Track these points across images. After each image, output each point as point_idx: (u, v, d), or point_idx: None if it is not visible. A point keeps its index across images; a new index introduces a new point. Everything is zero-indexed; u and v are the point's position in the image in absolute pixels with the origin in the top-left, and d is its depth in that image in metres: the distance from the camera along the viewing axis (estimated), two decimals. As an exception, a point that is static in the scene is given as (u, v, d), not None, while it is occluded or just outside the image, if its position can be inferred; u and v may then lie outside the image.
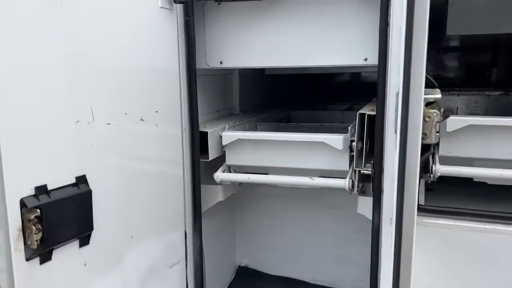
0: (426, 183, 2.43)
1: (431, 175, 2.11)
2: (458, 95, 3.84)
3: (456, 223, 1.97)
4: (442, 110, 1.13)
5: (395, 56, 1.16)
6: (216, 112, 2.85)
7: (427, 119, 1.06)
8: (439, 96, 1.05)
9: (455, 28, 3.00)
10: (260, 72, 3.56)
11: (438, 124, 1.08)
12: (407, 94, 0.99)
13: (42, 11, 1.45)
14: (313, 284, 3.23)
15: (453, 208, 2.10)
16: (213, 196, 2.66)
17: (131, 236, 1.95)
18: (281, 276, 3.34)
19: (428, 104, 1.06)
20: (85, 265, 1.71)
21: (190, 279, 2.47)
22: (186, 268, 2.43)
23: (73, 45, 1.58)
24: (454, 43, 4.32)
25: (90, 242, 1.71)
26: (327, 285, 3.19)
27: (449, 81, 4.34)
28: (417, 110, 1.00)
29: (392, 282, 1.16)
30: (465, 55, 4.35)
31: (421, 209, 2.02)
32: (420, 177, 2.19)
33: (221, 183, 2.54)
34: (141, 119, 1.96)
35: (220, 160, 2.56)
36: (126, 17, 1.85)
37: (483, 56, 4.28)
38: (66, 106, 1.58)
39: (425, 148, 2.07)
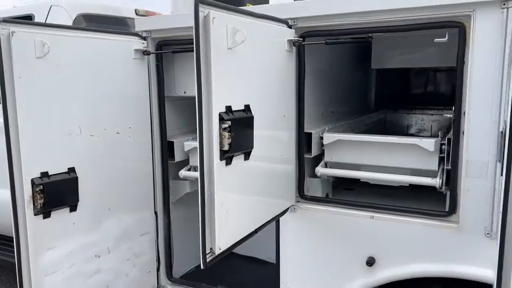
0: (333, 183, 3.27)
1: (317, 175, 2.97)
2: (408, 114, 4.58)
3: (329, 208, 2.80)
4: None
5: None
6: (189, 126, 3.81)
7: (222, 137, 1.95)
8: (227, 125, 1.94)
9: (377, 63, 3.84)
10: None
11: (228, 139, 1.96)
12: (201, 126, 1.90)
13: (54, 71, 2.50)
14: (273, 263, 4.07)
15: (329, 198, 2.95)
16: (182, 188, 3.64)
17: (108, 209, 2.97)
18: (248, 256, 4.23)
19: (225, 128, 1.95)
20: (73, 223, 2.74)
21: (161, 246, 3.45)
22: (157, 238, 3.42)
23: (73, 88, 2.63)
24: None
25: (77, 209, 2.74)
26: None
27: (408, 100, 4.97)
28: (212, 133, 1.91)
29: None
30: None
31: (305, 198, 2.87)
32: (309, 176, 3.04)
33: (185, 179, 3.51)
34: (117, 133, 2.98)
35: (186, 162, 3.52)
36: (110, 66, 2.88)
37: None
38: (63, 125, 2.62)
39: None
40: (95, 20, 4.93)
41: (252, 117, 2.19)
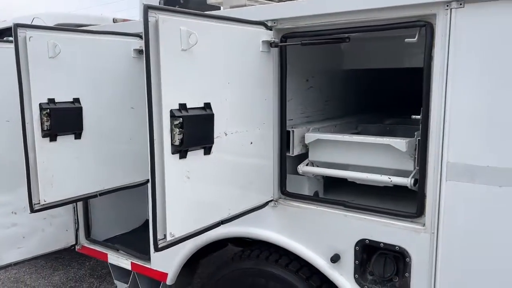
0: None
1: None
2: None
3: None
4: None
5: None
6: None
7: (42, 121, 2.77)
8: (46, 112, 2.75)
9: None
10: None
11: (47, 123, 2.76)
12: (23, 115, 2.74)
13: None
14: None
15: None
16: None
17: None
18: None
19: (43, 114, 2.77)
20: (-10, 186, 3.69)
21: (80, 212, 4.33)
22: (76, 205, 4.30)
23: None
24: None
25: (-6, 176, 3.69)
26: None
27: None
28: (32, 119, 2.74)
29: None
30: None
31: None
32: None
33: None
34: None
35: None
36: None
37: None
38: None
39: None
40: (71, 29, 5.89)
41: (81, 108, 2.99)
